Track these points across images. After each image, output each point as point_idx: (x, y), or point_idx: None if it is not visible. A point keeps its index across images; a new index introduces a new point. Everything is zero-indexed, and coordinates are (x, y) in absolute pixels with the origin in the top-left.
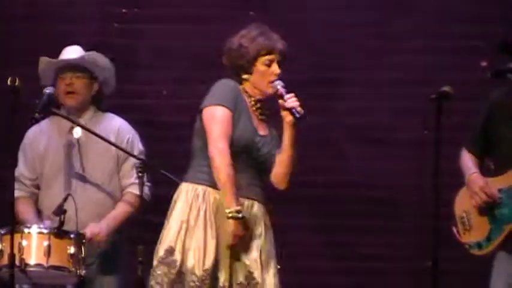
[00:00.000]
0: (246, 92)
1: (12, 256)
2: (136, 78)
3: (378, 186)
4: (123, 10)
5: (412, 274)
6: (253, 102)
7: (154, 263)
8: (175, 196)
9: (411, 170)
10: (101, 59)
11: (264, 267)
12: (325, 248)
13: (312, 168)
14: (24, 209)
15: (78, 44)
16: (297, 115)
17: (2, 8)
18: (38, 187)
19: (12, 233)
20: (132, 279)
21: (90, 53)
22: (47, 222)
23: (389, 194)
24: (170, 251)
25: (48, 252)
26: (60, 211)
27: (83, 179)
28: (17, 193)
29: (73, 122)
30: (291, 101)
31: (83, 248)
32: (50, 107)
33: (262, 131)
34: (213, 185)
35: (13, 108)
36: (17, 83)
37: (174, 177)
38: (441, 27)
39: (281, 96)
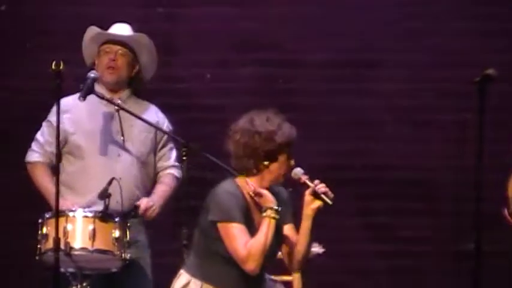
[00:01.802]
0: (243, 184)
1: (57, 240)
2: (177, 62)
3: (418, 168)
4: None
5: (451, 256)
6: (252, 194)
7: None
8: (173, 285)
9: (452, 152)
10: (148, 43)
11: None
12: (364, 230)
13: (352, 151)
14: (43, 175)
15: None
16: (329, 201)
17: None
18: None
19: (57, 217)
20: (176, 262)
21: (140, 34)
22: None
23: (429, 176)
24: None
25: (93, 235)
26: (105, 195)
27: (122, 150)
28: (36, 157)
29: (114, 104)
30: (321, 186)
31: (127, 232)
32: (93, 91)
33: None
34: (219, 285)
35: (57, 92)
36: (61, 67)
37: (217, 161)
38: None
39: (305, 183)
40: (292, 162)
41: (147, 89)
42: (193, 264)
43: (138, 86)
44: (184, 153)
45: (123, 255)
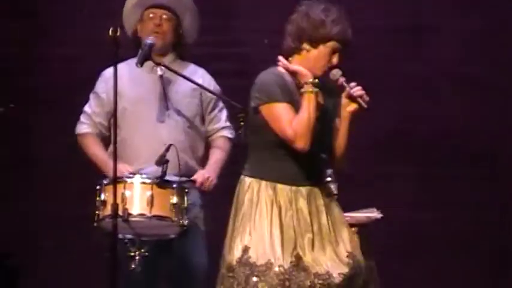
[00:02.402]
0: (292, 74)
1: (115, 206)
2: (235, 26)
3: (479, 136)
4: None
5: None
6: (297, 81)
7: (233, 263)
8: (239, 191)
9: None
10: (192, 7)
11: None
12: (423, 197)
13: (412, 117)
14: (93, 145)
15: None
16: (364, 105)
17: None
18: (107, 128)
19: (115, 183)
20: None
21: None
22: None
23: (490, 143)
24: (245, 250)
25: (151, 202)
26: (162, 161)
27: (166, 117)
28: (85, 128)
29: (177, 73)
30: (357, 89)
31: (185, 198)
32: (150, 58)
33: None
34: (278, 180)
35: (114, 59)
36: (118, 34)
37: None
38: None
39: (342, 85)
40: (335, 60)
41: (204, 54)
42: (250, 165)
43: (183, 50)
44: (241, 118)
45: (181, 221)
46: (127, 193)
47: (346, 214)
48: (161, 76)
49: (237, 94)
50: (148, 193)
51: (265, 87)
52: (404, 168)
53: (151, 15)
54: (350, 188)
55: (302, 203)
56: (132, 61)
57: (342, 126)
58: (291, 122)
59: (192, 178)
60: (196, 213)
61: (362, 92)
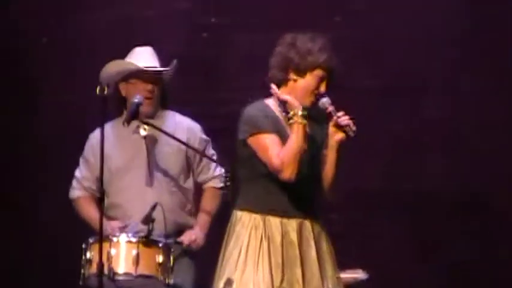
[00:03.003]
0: (279, 106)
1: (101, 265)
2: (222, 86)
3: (465, 193)
4: (212, 19)
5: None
6: (284, 114)
7: None
8: (230, 224)
9: (500, 177)
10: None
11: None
12: (414, 255)
13: (399, 175)
14: (86, 207)
15: (165, 53)
16: (351, 133)
17: (87, 23)
18: (99, 190)
19: (100, 241)
20: None
21: (172, 65)
22: (114, 223)
23: (477, 200)
24: (229, 283)
25: (136, 261)
26: (149, 220)
27: (155, 171)
28: (77, 193)
29: (161, 130)
30: (345, 118)
31: (171, 257)
32: (138, 116)
33: None
34: (269, 212)
35: (103, 116)
36: (106, 92)
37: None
38: None
39: (330, 114)
40: (323, 88)
41: (193, 113)
42: (241, 198)
43: (166, 100)
44: (227, 178)
45: (166, 280)
46: (113, 251)
47: None
48: (145, 137)
49: (223, 152)
50: (134, 252)
51: (252, 119)
52: (392, 226)
53: (142, 80)
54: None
55: (293, 236)
56: (117, 121)
57: (330, 155)
58: (278, 152)
59: (178, 239)
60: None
61: (349, 121)
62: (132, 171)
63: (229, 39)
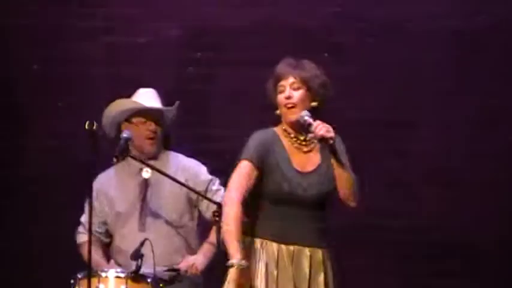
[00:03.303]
0: (286, 131)
1: None
2: (210, 122)
3: (454, 230)
4: (198, 54)
5: None
6: (294, 139)
7: None
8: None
9: (488, 213)
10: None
11: None
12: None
13: (386, 211)
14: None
15: (152, 88)
16: (330, 141)
17: (80, 52)
18: (105, 235)
19: (89, 277)
20: None
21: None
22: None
23: (466, 238)
24: None
25: None
26: (137, 255)
27: (155, 217)
28: (83, 238)
29: (162, 172)
30: (319, 129)
31: None
32: (128, 152)
33: (311, 165)
34: (268, 237)
35: (92, 152)
36: (94, 127)
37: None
38: None
39: (309, 126)
40: (286, 94)
41: (183, 150)
42: (246, 223)
43: (168, 141)
44: (217, 214)
45: None
46: (101, 287)
47: None
48: (146, 180)
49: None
50: (123, 287)
51: (247, 144)
52: (381, 263)
53: (143, 119)
54: None
55: (287, 263)
56: (121, 164)
57: (335, 171)
58: (238, 188)
59: (175, 267)
60: None
61: (323, 131)
62: (133, 216)
63: (214, 73)
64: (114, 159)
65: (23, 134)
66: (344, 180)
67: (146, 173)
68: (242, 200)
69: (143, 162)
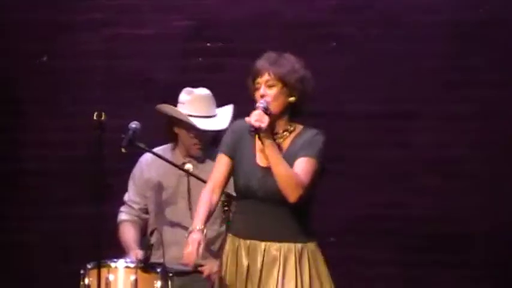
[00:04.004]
0: None
1: None
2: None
3: (454, 221)
4: (207, 44)
5: None
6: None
7: None
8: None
9: (488, 204)
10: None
11: None
12: (402, 282)
13: (388, 202)
14: (125, 232)
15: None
16: (251, 130)
17: (81, 45)
18: (146, 212)
19: (98, 267)
20: None
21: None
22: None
23: (465, 229)
24: None
25: (135, 286)
26: (147, 245)
27: (190, 210)
28: (123, 216)
29: (184, 171)
30: (250, 117)
31: (169, 282)
32: (135, 142)
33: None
34: (232, 232)
35: (99, 142)
36: (102, 118)
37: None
38: None
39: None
40: (260, 92)
41: None
42: None
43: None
44: (226, 204)
45: None
46: (111, 277)
47: None
48: (189, 173)
49: None
50: (133, 277)
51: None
52: (382, 253)
53: (197, 131)
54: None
55: (244, 258)
56: (167, 149)
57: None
58: (211, 177)
59: (199, 268)
60: None
61: (254, 117)
62: (174, 205)
63: (223, 64)
64: (122, 149)
65: (25, 129)
66: (275, 173)
67: (189, 164)
68: (214, 188)
69: (150, 151)
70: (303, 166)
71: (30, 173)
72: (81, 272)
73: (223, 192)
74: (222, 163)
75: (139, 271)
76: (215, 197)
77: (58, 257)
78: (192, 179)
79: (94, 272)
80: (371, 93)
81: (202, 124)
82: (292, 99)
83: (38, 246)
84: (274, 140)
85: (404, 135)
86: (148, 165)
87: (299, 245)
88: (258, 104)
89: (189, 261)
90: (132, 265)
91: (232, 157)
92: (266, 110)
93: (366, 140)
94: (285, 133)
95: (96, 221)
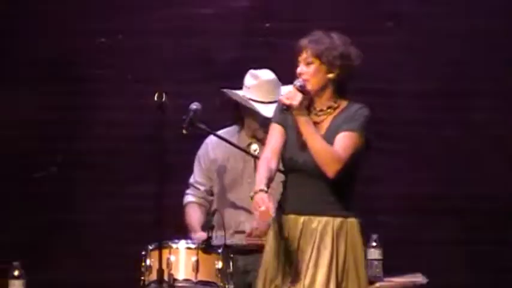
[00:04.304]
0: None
1: (161, 271)
2: None
3: None
4: (267, 24)
5: None
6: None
7: None
8: None
9: None
10: None
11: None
12: (466, 261)
13: (450, 180)
14: (191, 214)
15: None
16: (284, 108)
17: (143, 23)
18: (211, 194)
19: (160, 248)
20: None
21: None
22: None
23: None
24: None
25: (196, 267)
26: (208, 226)
27: None
28: (189, 198)
29: (228, 141)
30: (283, 96)
31: (230, 263)
32: (196, 123)
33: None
34: (282, 209)
35: (160, 123)
36: (163, 99)
37: None
38: None
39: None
40: (298, 69)
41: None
42: None
43: None
44: None
45: (226, 286)
46: (172, 258)
47: (391, 279)
48: (254, 156)
49: None
50: (194, 258)
51: None
52: (446, 232)
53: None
54: (395, 252)
55: (284, 231)
56: (232, 130)
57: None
58: (267, 145)
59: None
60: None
61: (285, 96)
62: (239, 187)
63: (283, 44)
64: (184, 131)
65: (90, 108)
66: (310, 149)
67: (255, 144)
68: (273, 155)
69: (211, 133)
70: (342, 141)
71: (97, 152)
72: (143, 253)
73: (279, 160)
74: (276, 131)
75: (200, 252)
76: (274, 163)
77: (122, 236)
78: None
79: (155, 253)
80: (431, 72)
81: (267, 111)
82: (331, 75)
83: (104, 225)
84: (318, 116)
85: (463, 113)
86: (214, 147)
87: (338, 220)
88: (294, 82)
89: (265, 219)
90: (193, 246)
91: (284, 126)
92: (301, 88)
93: (425, 119)
94: (328, 110)
95: (159, 201)
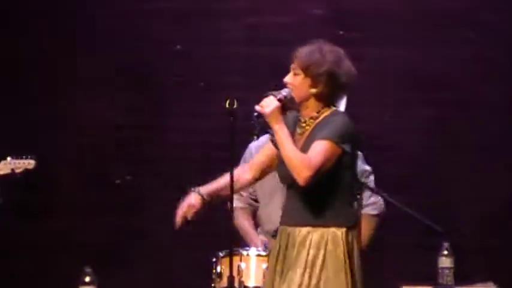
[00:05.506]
0: None
1: (231, 278)
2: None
3: None
4: (340, 32)
5: None
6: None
7: None
8: None
9: None
10: None
11: None
12: None
13: None
14: (240, 218)
15: None
16: (255, 115)
17: (223, 33)
18: (255, 200)
19: (231, 255)
20: None
21: None
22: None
23: None
24: None
25: None
26: (276, 234)
27: None
28: (236, 203)
29: None
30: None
31: None
32: (267, 129)
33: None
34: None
35: (231, 130)
36: (234, 105)
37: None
38: None
39: None
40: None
41: None
42: None
43: None
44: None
45: None
46: (243, 265)
47: None
48: None
49: None
50: (264, 265)
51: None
52: None
53: None
54: (466, 260)
55: (277, 243)
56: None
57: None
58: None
59: None
60: None
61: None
62: (280, 190)
63: (358, 52)
64: (255, 137)
65: (164, 114)
66: (282, 156)
67: None
68: (250, 167)
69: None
70: (313, 148)
71: (168, 159)
72: (213, 260)
73: (260, 175)
74: (267, 147)
75: None
76: (245, 176)
77: (192, 243)
78: None
79: (226, 260)
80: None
81: None
82: (313, 90)
83: (175, 232)
84: (303, 127)
85: None
86: (258, 151)
87: (318, 230)
88: (280, 91)
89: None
90: (263, 253)
91: (275, 144)
92: (282, 97)
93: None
94: (311, 120)
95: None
